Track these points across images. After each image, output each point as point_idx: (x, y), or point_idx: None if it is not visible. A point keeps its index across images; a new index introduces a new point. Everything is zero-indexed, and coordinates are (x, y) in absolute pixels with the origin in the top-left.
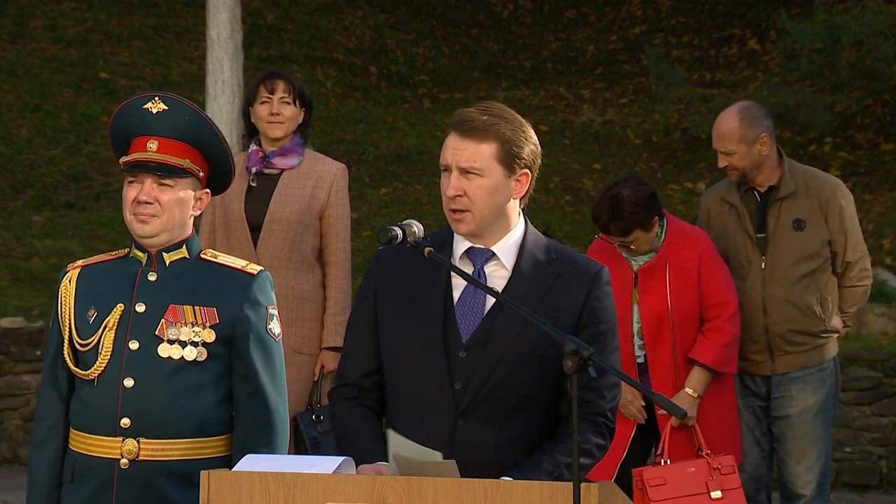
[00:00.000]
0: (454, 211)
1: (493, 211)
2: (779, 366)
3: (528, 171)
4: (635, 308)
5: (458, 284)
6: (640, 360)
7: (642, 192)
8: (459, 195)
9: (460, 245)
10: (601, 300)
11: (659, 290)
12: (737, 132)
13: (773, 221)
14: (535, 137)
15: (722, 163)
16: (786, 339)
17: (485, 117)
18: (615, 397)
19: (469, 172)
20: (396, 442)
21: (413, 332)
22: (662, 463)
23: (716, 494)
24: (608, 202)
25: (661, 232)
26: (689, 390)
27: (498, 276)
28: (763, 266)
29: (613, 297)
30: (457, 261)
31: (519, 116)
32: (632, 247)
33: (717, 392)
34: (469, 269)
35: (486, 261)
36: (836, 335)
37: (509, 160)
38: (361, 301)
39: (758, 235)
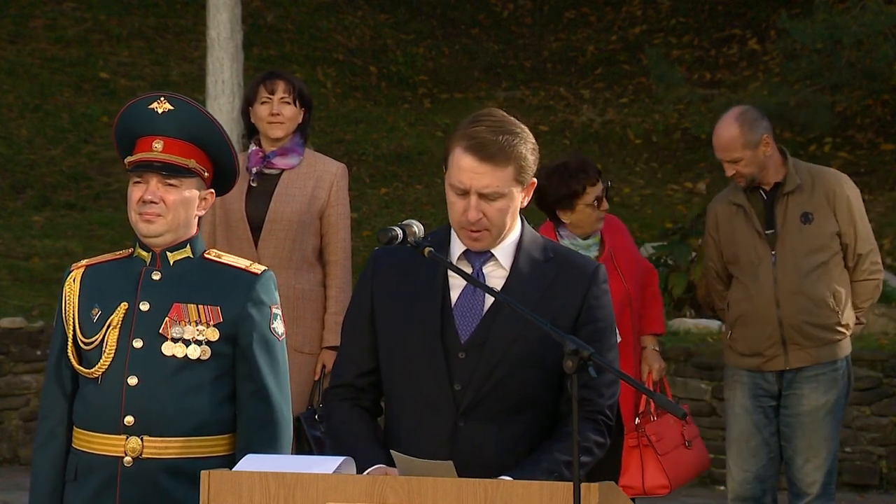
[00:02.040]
0: (473, 231)
1: (507, 224)
2: (792, 360)
3: (534, 178)
4: None
5: (457, 285)
6: None
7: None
8: (480, 218)
9: (458, 246)
10: (599, 298)
11: (615, 277)
12: (739, 139)
13: (780, 216)
14: (533, 140)
15: (729, 172)
16: (800, 332)
17: (500, 138)
18: (614, 394)
19: (489, 196)
20: (401, 462)
21: (411, 333)
22: (652, 420)
23: (688, 444)
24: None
25: None
26: (653, 347)
27: (496, 276)
28: (773, 261)
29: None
30: (455, 261)
31: (518, 122)
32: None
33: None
34: (467, 270)
35: (485, 261)
36: (849, 332)
37: (523, 177)
38: (357, 301)
39: (766, 232)
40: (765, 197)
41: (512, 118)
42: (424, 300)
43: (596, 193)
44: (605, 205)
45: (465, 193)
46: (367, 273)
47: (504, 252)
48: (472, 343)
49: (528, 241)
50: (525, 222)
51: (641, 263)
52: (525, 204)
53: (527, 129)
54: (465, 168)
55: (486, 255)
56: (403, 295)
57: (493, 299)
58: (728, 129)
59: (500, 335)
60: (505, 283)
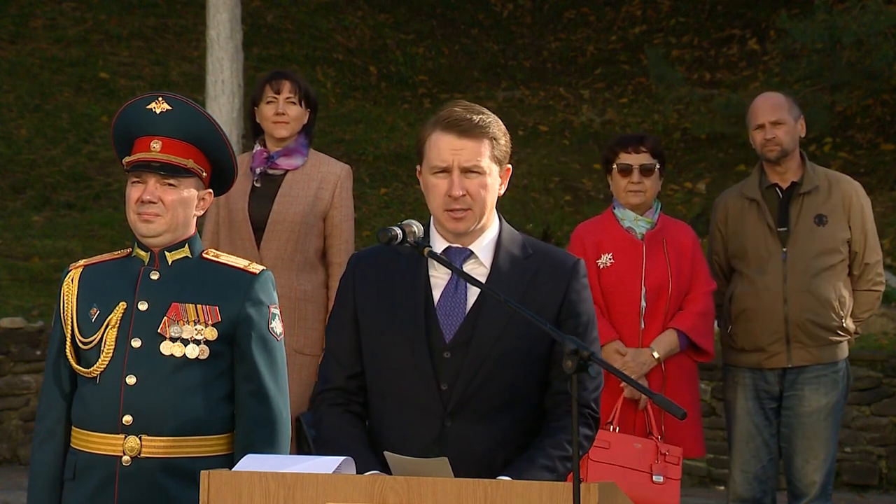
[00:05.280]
0: (455, 210)
1: (488, 207)
2: (794, 358)
3: (509, 165)
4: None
5: (438, 284)
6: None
7: None
8: (463, 195)
9: (438, 245)
10: (579, 292)
11: (660, 260)
12: (786, 104)
13: (795, 215)
14: (504, 128)
15: (769, 135)
16: (804, 330)
17: (474, 116)
18: (598, 387)
19: (470, 171)
20: (395, 463)
21: (396, 333)
22: (611, 430)
23: (658, 479)
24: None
25: (657, 205)
26: (654, 352)
27: (477, 273)
28: (784, 258)
29: (623, 264)
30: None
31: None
32: (644, 182)
33: (686, 380)
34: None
35: (465, 259)
36: (848, 337)
37: (499, 156)
38: (340, 305)
39: (779, 229)
40: (780, 195)
41: (483, 108)
42: (407, 300)
43: (629, 161)
44: (639, 179)
45: (446, 171)
46: (347, 277)
47: (484, 250)
48: (457, 342)
49: (507, 238)
50: (502, 219)
51: (699, 277)
52: (502, 191)
53: (496, 117)
54: (444, 146)
55: (466, 253)
56: (386, 296)
57: (475, 298)
58: (775, 96)
59: (485, 333)
60: (486, 281)
